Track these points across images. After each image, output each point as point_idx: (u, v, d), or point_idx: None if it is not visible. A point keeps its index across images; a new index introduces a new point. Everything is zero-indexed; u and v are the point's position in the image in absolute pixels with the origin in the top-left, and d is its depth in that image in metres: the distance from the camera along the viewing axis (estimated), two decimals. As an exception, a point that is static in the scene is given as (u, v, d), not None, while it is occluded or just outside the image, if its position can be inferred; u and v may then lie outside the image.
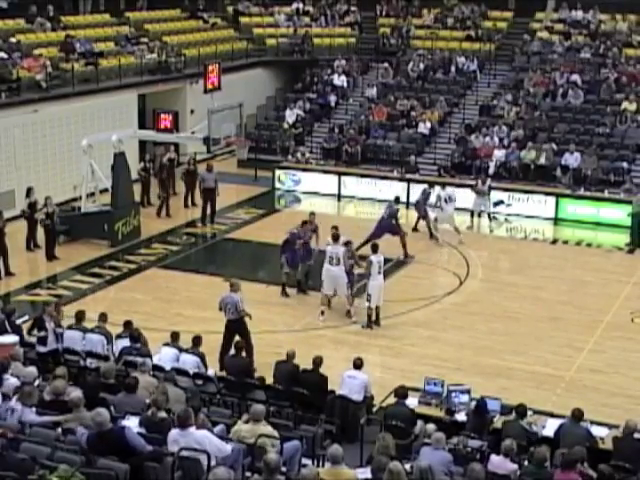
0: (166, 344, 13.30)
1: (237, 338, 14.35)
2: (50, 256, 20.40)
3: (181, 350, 13.09)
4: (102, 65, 26.73)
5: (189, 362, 12.82)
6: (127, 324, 13.80)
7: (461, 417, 11.75)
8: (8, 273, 19.34)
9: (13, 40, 25.81)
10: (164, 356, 13.04)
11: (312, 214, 19.08)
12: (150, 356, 12.81)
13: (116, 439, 8.68)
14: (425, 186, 23.01)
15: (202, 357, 12.99)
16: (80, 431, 8.96)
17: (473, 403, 11.73)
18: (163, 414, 9.72)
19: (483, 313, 17.63)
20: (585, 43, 31.49)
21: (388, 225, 20.48)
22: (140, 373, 11.38)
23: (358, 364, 12.39)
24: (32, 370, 10.96)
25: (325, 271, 16.95)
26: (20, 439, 8.86)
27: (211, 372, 13.13)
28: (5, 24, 26.80)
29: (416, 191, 24.18)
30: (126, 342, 13.31)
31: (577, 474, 9.05)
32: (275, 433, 9.77)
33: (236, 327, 14.67)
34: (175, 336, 13.37)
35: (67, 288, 18.82)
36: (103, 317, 14.06)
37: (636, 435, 10.52)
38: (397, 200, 21.19)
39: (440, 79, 31.31)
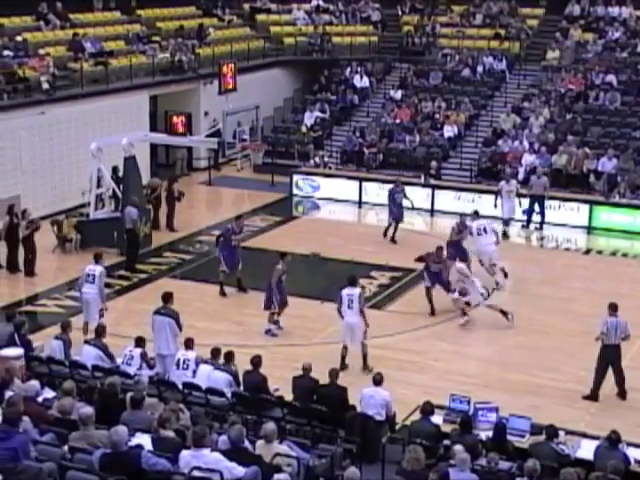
0: (204, 362, 13.02)
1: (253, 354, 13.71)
2: (28, 272, 19.53)
3: (215, 368, 12.79)
4: (112, 65, 26.46)
5: (220, 380, 12.45)
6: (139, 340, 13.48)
7: (486, 435, 11.24)
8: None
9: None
10: (201, 374, 12.78)
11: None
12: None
13: (132, 461, 8.34)
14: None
15: (234, 375, 12.62)
16: (95, 452, 8.55)
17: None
18: (170, 433, 9.30)
19: (511, 326, 17.11)
20: (622, 41, 30.60)
21: None
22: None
23: (378, 379, 12.13)
24: (34, 384, 10.76)
25: None
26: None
27: None
28: (11, 21, 26.48)
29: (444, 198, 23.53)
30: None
31: None
32: (290, 452, 9.52)
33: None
34: (216, 353, 13.01)
35: (74, 298, 17.85)
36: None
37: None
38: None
39: (467, 80, 30.87)
